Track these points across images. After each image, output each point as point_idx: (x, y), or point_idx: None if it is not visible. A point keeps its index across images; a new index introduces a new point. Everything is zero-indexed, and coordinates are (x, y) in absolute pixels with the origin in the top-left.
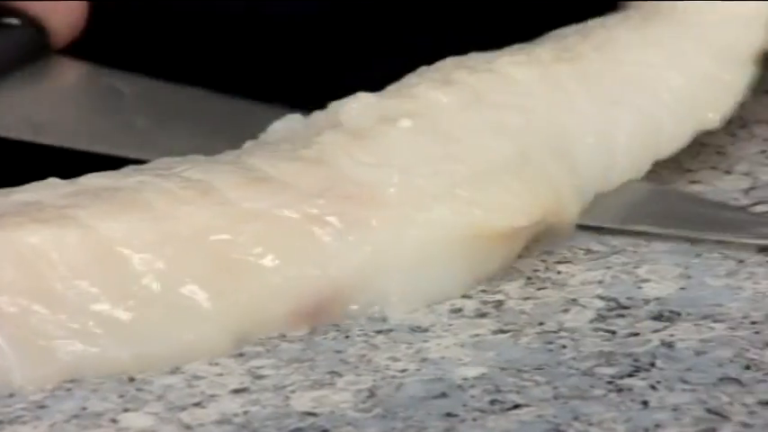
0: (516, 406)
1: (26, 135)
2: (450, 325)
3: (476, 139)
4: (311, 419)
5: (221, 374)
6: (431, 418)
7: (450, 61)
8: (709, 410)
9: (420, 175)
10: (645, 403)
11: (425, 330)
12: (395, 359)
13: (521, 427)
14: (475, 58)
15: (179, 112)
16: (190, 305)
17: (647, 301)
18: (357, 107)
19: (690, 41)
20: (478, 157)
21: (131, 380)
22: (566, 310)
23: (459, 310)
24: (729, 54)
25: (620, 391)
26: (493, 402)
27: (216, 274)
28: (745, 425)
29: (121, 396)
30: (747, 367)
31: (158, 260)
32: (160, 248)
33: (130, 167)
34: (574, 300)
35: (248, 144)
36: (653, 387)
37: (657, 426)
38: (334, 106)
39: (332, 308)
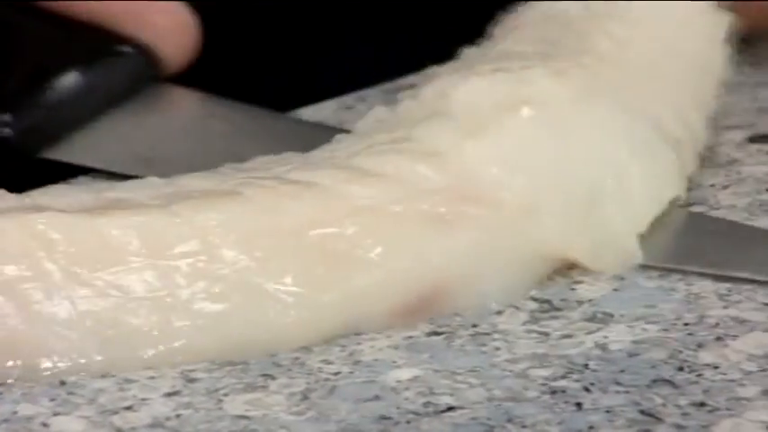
0: (450, 408)
1: (137, 169)
2: (383, 328)
3: (592, 139)
4: (244, 422)
5: (153, 378)
6: (364, 420)
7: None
8: (642, 412)
9: (537, 181)
10: (578, 405)
11: (358, 333)
12: (328, 362)
13: (454, 429)
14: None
15: (285, 141)
16: (288, 298)
17: (580, 303)
18: (466, 92)
19: None
20: (596, 164)
21: (62, 383)
22: (499, 312)
23: None
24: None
25: (553, 393)
26: (426, 405)
27: (318, 268)
28: (679, 426)
29: (53, 400)
30: (680, 369)
31: (255, 251)
32: (257, 240)
33: (228, 166)
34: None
35: (339, 137)
36: (586, 389)
37: (591, 428)
38: (430, 91)
39: (432, 306)
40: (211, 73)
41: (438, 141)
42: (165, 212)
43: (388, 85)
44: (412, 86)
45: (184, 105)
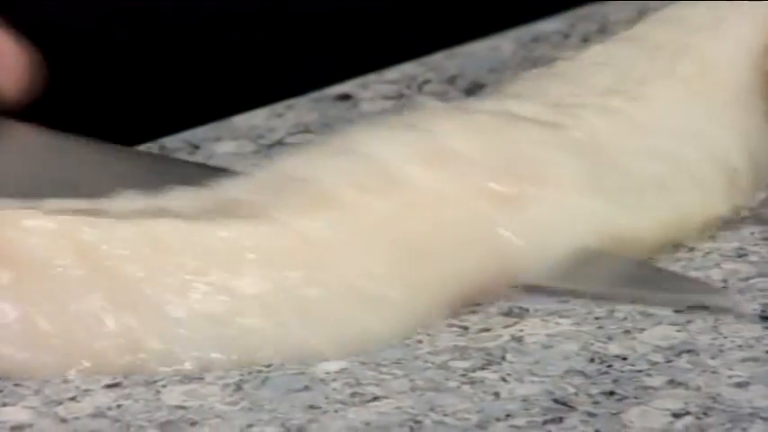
0: (376, 398)
1: None
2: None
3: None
4: (181, 412)
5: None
6: (295, 410)
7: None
8: (556, 401)
9: (593, 169)
10: (496, 394)
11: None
12: None
13: (380, 417)
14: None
15: (126, 175)
16: (378, 293)
17: (497, 298)
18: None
19: None
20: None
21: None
22: None
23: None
24: None
25: (473, 383)
26: (354, 395)
27: (402, 262)
28: (590, 414)
29: (0, 391)
30: (592, 360)
31: (347, 250)
32: (348, 240)
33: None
34: None
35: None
36: (504, 379)
37: (508, 415)
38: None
39: (498, 286)
40: (146, 83)
41: (500, 122)
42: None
43: (315, 94)
44: (342, 96)
45: (18, 140)
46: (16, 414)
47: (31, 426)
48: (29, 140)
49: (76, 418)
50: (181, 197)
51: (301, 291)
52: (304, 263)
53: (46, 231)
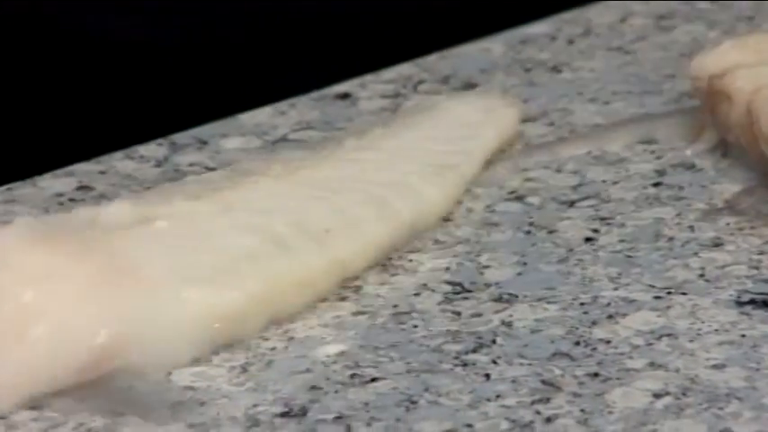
0: (374, 379)
1: None
2: (314, 308)
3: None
4: (191, 393)
5: None
6: (297, 390)
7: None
8: (543, 382)
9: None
10: (487, 376)
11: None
12: (264, 338)
13: (378, 398)
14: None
15: None
16: None
17: (488, 285)
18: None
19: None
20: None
21: None
22: (417, 294)
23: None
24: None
25: (465, 365)
26: (353, 376)
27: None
28: (576, 394)
29: None
30: (577, 343)
31: None
32: None
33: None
34: (424, 284)
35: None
36: (494, 362)
37: (498, 396)
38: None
39: (106, 363)
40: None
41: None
42: None
43: (316, 93)
44: (342, 95)
45: None
46: None
47: None
48: None
49: None
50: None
51: None
52: None
53: None
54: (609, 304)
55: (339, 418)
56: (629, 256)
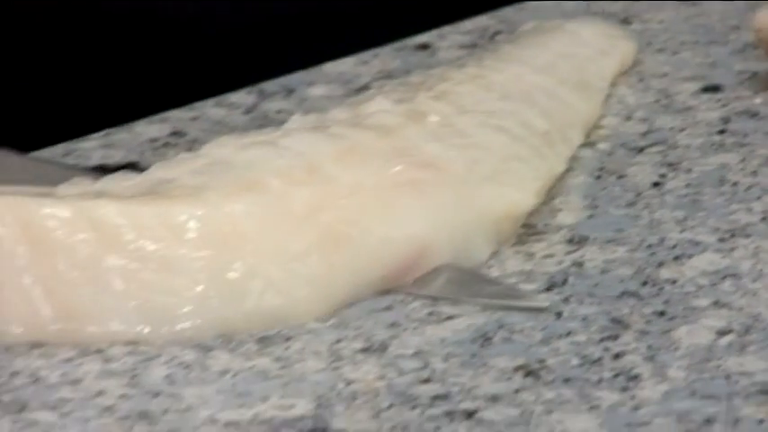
0: (450, 317)
1: None
2: None
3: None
4: (276, 329)
5: None
6: (378, 327)
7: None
8: (612, 320)
9: (471, 156)
10: (558, 314)
11: None
12: None
13: (454, 334)
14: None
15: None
16: (301, 273)
17: (560, 228)
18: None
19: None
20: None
21: None
22: None
23: None
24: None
25: None
26: (431, 314)
27: (323, 245)
28: (643, 332)
29: None
30: (645, 283)
31: (272, 232)
32: (273, 222)
33: (240, 135)
34: None
35: (296, 117)
36: (565, 300)
37: (569, 333)
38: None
39: (419, 265)
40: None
41: (386, 122)
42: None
43: (397, 44)
44: (422, 45)
45: None
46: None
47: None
48: None
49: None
50: (118, 181)
51: (225, 267)
52: (228, 241)
53: None
54: (675, 246)
55: (417, 353)
56: (695, 201)
